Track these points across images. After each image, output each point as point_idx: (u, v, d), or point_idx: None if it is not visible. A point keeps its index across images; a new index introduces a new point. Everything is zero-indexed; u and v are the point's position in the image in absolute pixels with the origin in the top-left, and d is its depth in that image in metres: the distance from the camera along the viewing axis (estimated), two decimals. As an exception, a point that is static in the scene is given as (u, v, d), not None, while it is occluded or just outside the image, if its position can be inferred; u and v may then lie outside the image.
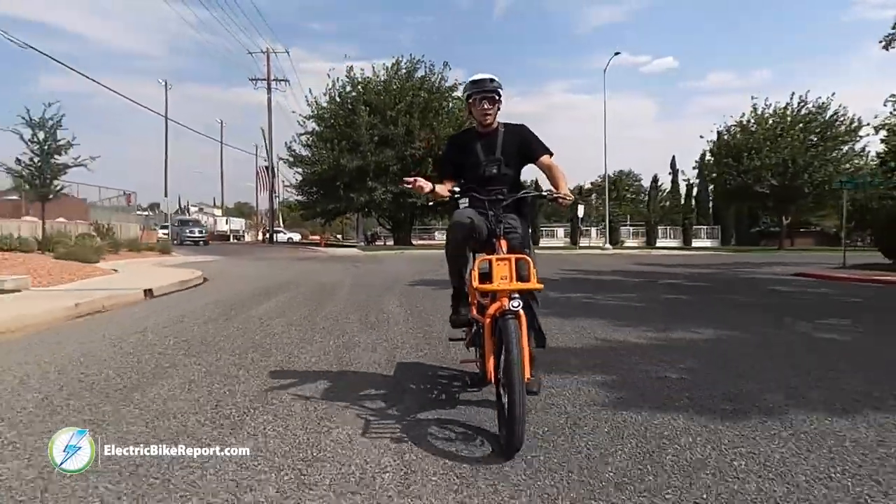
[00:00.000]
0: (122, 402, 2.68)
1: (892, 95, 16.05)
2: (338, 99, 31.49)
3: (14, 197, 23.25)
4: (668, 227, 48.15)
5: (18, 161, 14.92)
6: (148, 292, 7.38)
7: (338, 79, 31.73)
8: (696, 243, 44.66)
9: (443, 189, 2.69)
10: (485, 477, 1.85)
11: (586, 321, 5.21)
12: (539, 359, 2.88)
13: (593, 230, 49.67)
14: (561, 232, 50.51)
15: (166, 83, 35.97)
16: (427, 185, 2.60)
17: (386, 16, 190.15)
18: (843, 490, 1.77)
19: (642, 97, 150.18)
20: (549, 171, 2.80)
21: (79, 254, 14.37)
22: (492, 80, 2.76)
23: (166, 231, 31.30)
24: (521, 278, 2.27)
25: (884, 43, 15.17)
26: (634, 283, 10.13)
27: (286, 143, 38.95)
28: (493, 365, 2.30)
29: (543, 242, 44.49)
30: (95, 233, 19.40)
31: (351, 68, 31.97)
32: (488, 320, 2.31)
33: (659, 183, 51.79)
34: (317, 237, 55.73)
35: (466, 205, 2.64)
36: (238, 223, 61.74)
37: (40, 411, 2.55)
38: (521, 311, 2.20)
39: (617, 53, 41.05)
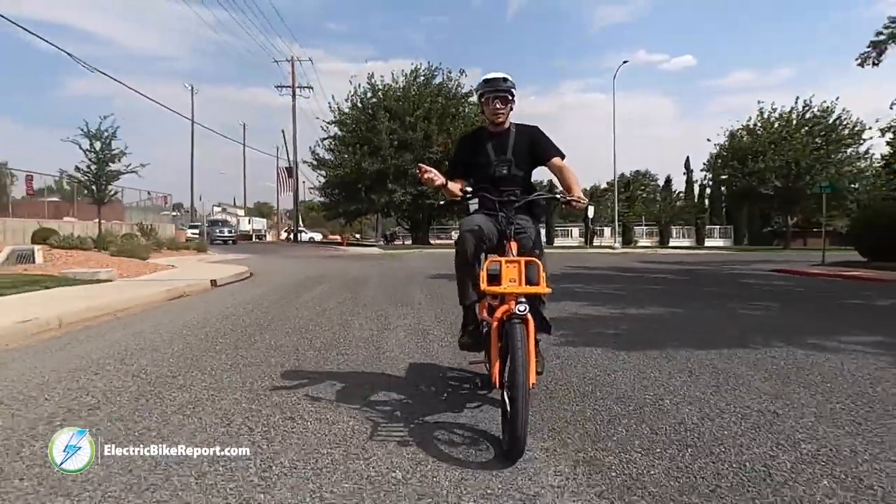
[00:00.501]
0: (247, 341, 4.20)
1: None
2: (359, 105, 33.15)
3: (54, 199, 25.30)
4: (682, 227, 48.97)
5: (77, 168, 16.77)
6: (213, 282, 8.97)
7: (359, 85, 33.40)
8: (708, 243, 45.36)
9: (455, 187, 2.72)
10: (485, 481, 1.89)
11: (569, 303, 6.61)
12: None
13: (607, 230, 50.75)
14: (576, 232, 51.55)
15: (192, 88, 37.99)
16: (439, 179, 2.63)
17: (400, 15, 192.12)
18: (707, 394, 3.18)
19: (660, 96, 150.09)
20: (560, 174, 2.79)
21: (131, 251, 16.16)
22: (505, 80, 2.75)
23: (195, 231, 33.19)
24: (529, 282, 2.28)
25: (859, 60, 15.46)
26: (625, 277, 11.48)
27: (310, 147, 40.59)
28: (498, 369, 2.29)
29: (558, 242, 45.70)
30: (140, 233, 21.28)
31: (372, 75, 33.68)
32: (495, 323, 2.32)
33: (671, 183, 52.63)
34: (336, 236, 57.72)
35: (476, 205, 2.71)
36: (260, 223, 63.68)
37: (204, 343, 4.07)
38: (529, 316, 2.21)
39: (625, 62, 41.91)
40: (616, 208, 35.41)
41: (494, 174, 2.74)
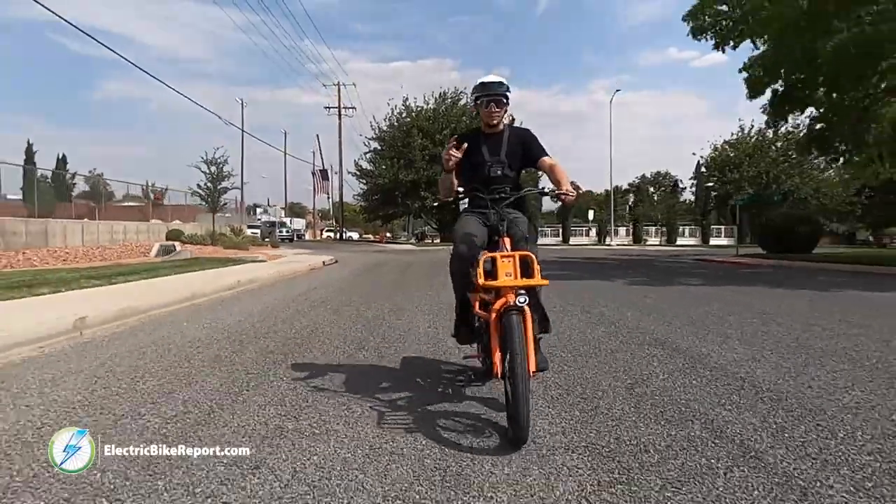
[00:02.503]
0: (359, 287, 9.92)
1: None
2: (395, 124, 39.07)
3: (132, 203, 32.01)
4: (689, 227, 53.41)
5: (199, 186, 23.02)
6: (323, 262, 14.79)
7: (396, 107, 39.31)
8: (713, 241, 49.81)
9: (454, 183, 2.84)
10: (490, 467, 2.00)
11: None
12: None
13: (622, 230, 55.82)
14: (593, 231, 56.78)
15: (242, 101, 44.31)
16: (455, 158, 2.73)
17: (428, 16, 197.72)
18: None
19: (691, 94, 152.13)
20: (551, 171, 2.87)
21: (236, 245, 22.39)
22: (500, 84, 2.86)
23: (255, 230, 39.30)
24: (525, 275, 2.39)
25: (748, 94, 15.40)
26: (587, 263, 16.81)
27: (355, 160, 46.86)
28: (499, 359, 2.34)
29: (573, 241, 51.15)
30: (231, 232, 27.46)
31: (406, 98, 39.58)
32: (494, 315, 2.38)
33: (678, 186, 57.11)
34: (369, 235, 63.92)
35: (466, 205, 2.94)
36: (299, 223, 70.08)
37: (342, 290, 9.82)
38: (526, 307, 2.30)
39: (618, 90, 45.54)
40: (612, 211, 40.42)
41: (489, 174, 2.88)
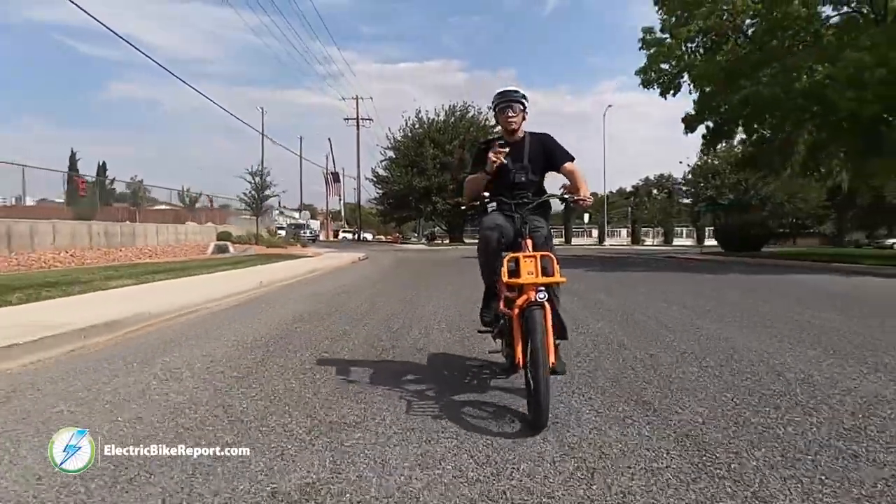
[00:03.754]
0: (401, 274, 13.72)
1: None
2: (409, 135, 42.97)
3: (165, 207, 36.03)
4: (687, 228, 56.77)
5: (245, 194, 26.99)
6: (360, 258, 18.60)
7: (409, 118, 43.23)
8: (708, 242, 53.28)
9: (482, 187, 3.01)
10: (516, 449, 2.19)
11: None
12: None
13: (623, 231, 59.59)
14: (595, 232, 60.45)
15: (262, 110, 48.22)
16: (500, 161, 2.92)
17: (432, 17, 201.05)
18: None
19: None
20: (571, 177, 3.05)
21: (276, 244, 26.30)
22: (516, 92, 3.03)
23: (281, 230, 43.28)
24: (545, 273, 2.57)
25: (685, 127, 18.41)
26: (572, 257, 20.42)
27: (372, 168, 50.87)
28: (521, 350, 2.54)
29: (575, 241, 54.95)
30: (267, 233, 31.39)
31: (419, 111, 43.41)
32: (516, 311, 2.59)
33: (673, 190, 60.50)
34: (381, 236, 67.75)
35: (494, 208, 2.96)
36: (315, 224, 73.84)
37: (385, 276, 13.63)
38: (546, 303, 2.52)
39: (609, 106, 48.50)
40: (605, 214, 44.14)
41: (513, 180, 3.02)
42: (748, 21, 15.41)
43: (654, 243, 53.53)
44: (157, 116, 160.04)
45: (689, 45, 15.98)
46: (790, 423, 2.51)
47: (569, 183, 3.09)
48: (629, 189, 63.37)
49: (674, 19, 15.73)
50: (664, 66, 16.82)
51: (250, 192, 26.91)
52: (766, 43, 14.91)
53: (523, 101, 3.03)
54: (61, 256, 14.74)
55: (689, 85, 16.88)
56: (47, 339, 4.06)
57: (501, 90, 3.05)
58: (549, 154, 3.09)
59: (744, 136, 18.44)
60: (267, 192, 27.12)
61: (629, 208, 60.22)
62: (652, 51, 16.56)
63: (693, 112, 17.24)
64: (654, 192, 62.18)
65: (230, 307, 6.67)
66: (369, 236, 66.04)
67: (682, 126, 17.52)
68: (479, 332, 3.32)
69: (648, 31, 17.14)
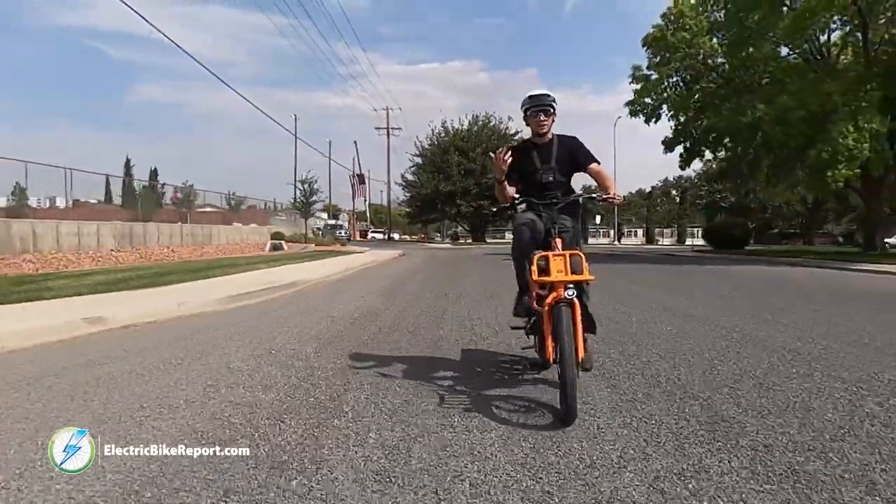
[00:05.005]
0: (440, 267, 17.23)
1: None
2: (435, 143, 46.60)
3: (211, 209, 40.11)
4: (699, 228, 59.32)
5: (295, 199, 30.89)
6: (401, 254, 22.15)
7: (435, 127, 46.86)
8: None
9: (510, 190, 3.16)
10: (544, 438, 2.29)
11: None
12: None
13: (640, 231, 62.48)
14: (612, 232, 63.33)
15: (295, 117, 52.32)
16: (501, 175, 3.06)
17: (454, 17, 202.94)
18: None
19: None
20: (598, 177, 3.17)
21: (323, 243, 30.04)
22: (547, 95, 3.10)
23: (318, 230, 47.31)
24: (574, 271, 2.64)
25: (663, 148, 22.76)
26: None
27: (401, 173, 54.69)
28: (551, 347, 2.66)
29: (592, 241, 57.98)
30: (312, 233, 35.28)
31: (444, 121, 47.02)
32: (547, 308, 2.67)
33: (687, 192, 62.95)
34: (406, 236, 71.52)
35: (524, 209, 3.08)
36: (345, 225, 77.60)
37: (430, 265, 17.14)
38: (575, 300, 2.59)
39: (619, 117, 49.86)
40: (616, 215, 47.11)
41: (542, 180, 3.12)
42: (720, 60, 18.70)
43: (668, 243, 56.13)
44: (182, 118, 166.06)
45: (670, 79, 19.37)
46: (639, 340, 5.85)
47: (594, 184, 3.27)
48: (648, 190, 66.20)
49: (658, 59, 19.09)
50: (647, 100, 20.45)
51: (300, 198, 30.80)
52: (731, 80, 18.21)
53: (553, 104, 3.13)
54: (166, 252, 18.63)
55: (667, 115, 20.49)
56: (268, 289, 7.66)
57: (533, 94, 3.14)
58: (576, 155, 3.20)
59: (710, 157, 21.86)
60: (314, 198, 30.95)
61: (645, 209, 62.89)
62: (639, 86, 19.97)
63: (671, 136, 20.76)
64: (674, 192, 64.72)
65: (342, 279, 10.34)
66: (396, 236, 69.90)
67: (663, 147, 21.21)
68: (512, 328, 3.55)
69: (637, 68, 20.77)
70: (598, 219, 45.91)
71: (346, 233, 48.77)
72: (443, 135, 46.55)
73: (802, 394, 2.90)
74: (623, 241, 53.70)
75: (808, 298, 7.74)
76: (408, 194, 48.95)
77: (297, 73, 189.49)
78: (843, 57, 17.61)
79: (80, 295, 6.57)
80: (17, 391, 3.03)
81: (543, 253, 2.72)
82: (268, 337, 4.56)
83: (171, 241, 20.46)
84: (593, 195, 3.16)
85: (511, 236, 3.33)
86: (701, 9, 18.72)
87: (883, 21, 15.90)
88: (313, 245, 29.11)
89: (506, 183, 3.13)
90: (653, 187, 65.34)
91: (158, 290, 7.36)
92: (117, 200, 28.09)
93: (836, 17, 15.87)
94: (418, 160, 47.66)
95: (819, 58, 17.41)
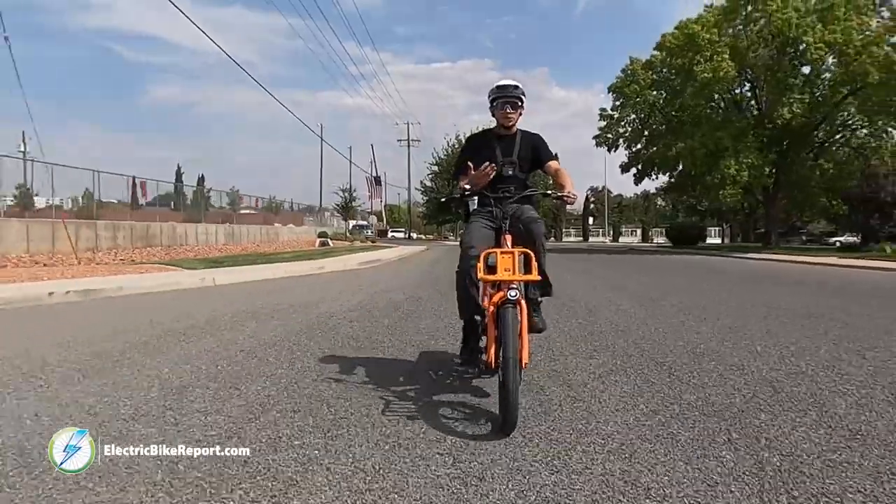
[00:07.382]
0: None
1: None
2: (450, 152, 53.63)
3: (251, 211, 47.17)
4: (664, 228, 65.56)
5: (336, 205, 38.05)
6: (425, 249, 29.03)
7: (452, 136, 53.79)
8: (708, 241, 61.84)
9: (462, 181, 3.04)
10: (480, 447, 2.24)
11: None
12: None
13: (639, 230, 68.83)
14: (601, 231, 69.79)
15: (322, 126, 58.99)
16: (483, 182, 2.93)
17: (467, 17, 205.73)
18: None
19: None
20: (556, 175, 3.09)
21: (360, 240, 37.10)
22: (515, 87, 3.02)
23: (352, 230, 54.18)
24: (523, 270, 2.55)
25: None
26: (570, 250, 30.23)
27: (421, 180, 62.13)
28: (493, 351, 2.56)
29: (566, 238, 65.35)
30: (349, 233, 42.24)
31: (458, 133, 54.01)
32: (492, 309, 2.57)
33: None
34: (421, 236, 78.51)
35: (476, 205, 3.08)
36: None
37: (436, 260, 24.03)
38: (522, 301, 2.45)
39: None
40: (606, 215, 53.78)
41: (501, 173, 3.02)
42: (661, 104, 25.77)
43: (661, 242, 62.14)
44: (196, 118, 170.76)
45: (628, 117, 26.35)
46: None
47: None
48: (653, 190, 72.57)
49: (618, 103, 26.09)
50: (608, 135, 27.27)
51: (340, 203, 37.89)
52: (671, 120, 25.09)
53: (522, 97, 3.06)
54: (250, 248, 25.71)
55: (623, 146, 27.60)
56: (374, 262, 14.70)
57: (501, 83, 3.06)
58: (538, 152, 3.15)
59: (655, 177, 29.34)
60: (353, 203, 38.03)
61: (644, 208, 68.99)
62: (604, 123, 27.12)
63: (626, 161, 28.01)
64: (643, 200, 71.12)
65: (398, 260, 17.20)
66: (413, 235, 76.93)
67: (619, 169, 28.42)
68: (457, 367, 3.37)
69: (603, 110, 28.28)
70: (590, 220, 52.69)
71: (372, 232, 55.95)
72: (457, 146, 53.60)
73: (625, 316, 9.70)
74: (590, 238, 61.84)
75: (685, 274, 14.38)
76: (424, 198, 56.13)
77: (310, 75, 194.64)
78: (748, 110, 24.45)
79: (285, 262, 13.56)
80: (379, 273, 10.20)
81: (491, 249, 2.67)
82: (400, 274, 11.45)
83: (250, 239, 27.57)
84: (548, 192, 3.16)
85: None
86: (648, 69, 25.57)
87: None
88: (357, 241, 35.91)
89: (461, 181, 3.04)
90: (661, 185, 71.94)
91: (314, 261, 14.32)
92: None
93: (738, 82, 22.85)
94: (435, 168, 54.80)
95: (720, 109, 24.29)
